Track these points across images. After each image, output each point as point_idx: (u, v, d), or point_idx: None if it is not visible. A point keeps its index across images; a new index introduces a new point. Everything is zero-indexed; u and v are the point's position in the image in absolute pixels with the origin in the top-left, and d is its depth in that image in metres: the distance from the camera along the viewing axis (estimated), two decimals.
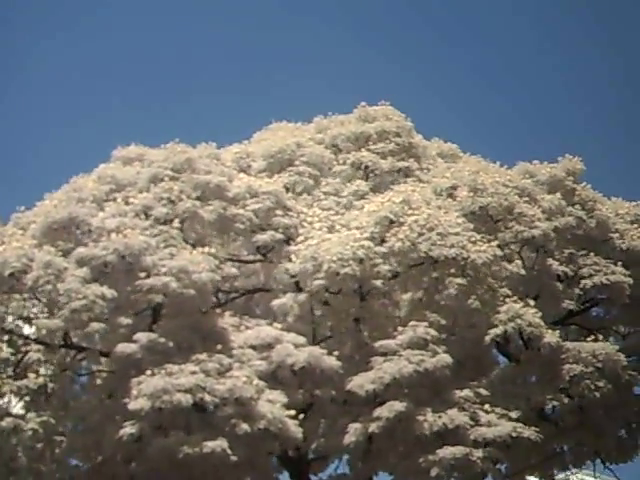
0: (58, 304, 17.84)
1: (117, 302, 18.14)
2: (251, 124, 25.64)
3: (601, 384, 19.77)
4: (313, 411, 19.42)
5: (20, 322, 18.67)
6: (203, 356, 17.56)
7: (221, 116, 56.71)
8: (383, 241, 19.82)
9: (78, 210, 19.18)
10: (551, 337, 19.74)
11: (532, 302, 20.03)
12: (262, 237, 20.40)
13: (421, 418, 18.24)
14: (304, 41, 63.32)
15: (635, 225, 23.05)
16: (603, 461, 22.50)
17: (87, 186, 20.22)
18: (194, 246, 19.15)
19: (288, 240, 20.73)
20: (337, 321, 20.25)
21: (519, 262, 20.70)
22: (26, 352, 18.65)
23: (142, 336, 17.73)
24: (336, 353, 18.81)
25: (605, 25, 60.38)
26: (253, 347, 18.63)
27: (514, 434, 18.42)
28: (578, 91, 62.39)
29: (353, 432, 18.45)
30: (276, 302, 19.93)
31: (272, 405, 17.53)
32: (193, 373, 17.09)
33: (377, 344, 19.20)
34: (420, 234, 19.57)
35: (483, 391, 19.15)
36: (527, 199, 21.58)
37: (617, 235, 22.54)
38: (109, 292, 17.81)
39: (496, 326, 19.55)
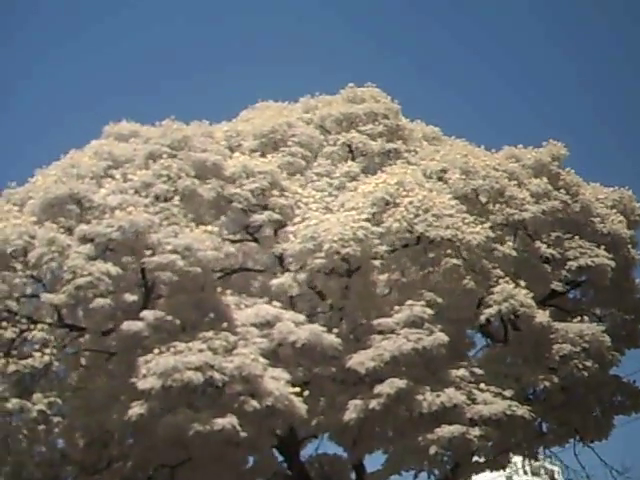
0: (62, 281, 17.76)
1: (120, 279, 18.11)
2: (235, 103, 25.65)
3: (589, 364, 20.44)
4: (311, 388, 19.68)
5: (23, 300, 18.43)
6: (210, 334, 17.60)
7: (204, 95, 55.78)
8: (379, 222, 20.18)
9: (79, 186, 19.00)
10: (542, 317, 20.36)
11: (523, 283, 20.58)
12: (260, 217, 20.52)
13: (420, 397, 18.67)
14: (284, 23, 62.65)
15: (614, 210, 23.83)
16: (582, 439, 23.28)
17: (84, 162, 20.03)
18: (195, 224, 19.16)
19: (281, 221, 20.93)
20: (334, 300, 20.46)
21: (510, 244, 21.18)
22: (26, 331, 18.41)
23: (148, 314, 17.66)
24: (335, 330, 19.15)
25: (593, 11, 60.77)
26: (254, 325, 18.83)
27: (508, 412, 19.00)
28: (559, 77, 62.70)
29: (353, 409, 18.76)
30: (275, 281, 20.04)
31: (277, 382, 17.76)
32: (201, 351, 17.13)
33: (375, 322, 19.53)
34: (416, 215, 19.97)
35: (478, 370, 19.67)
36: (515, 182, 22.12)
37: (598, 219, 23.28)
38: (114, 269, 17.77)
39: (490, 306, 20.06)
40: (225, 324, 18.07)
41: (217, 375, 16.97)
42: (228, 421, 16.72)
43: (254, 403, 17.08)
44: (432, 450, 18.53)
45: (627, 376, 23.70)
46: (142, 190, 19.24)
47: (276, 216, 20.52)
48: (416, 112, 25.82)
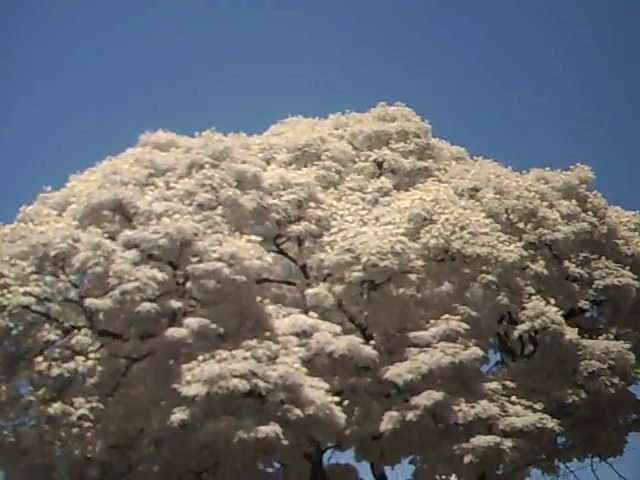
0: (108, 286, 17.93)
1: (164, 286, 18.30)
2: (263, 116, 26.01)
3: (615, 381, 20.90)
4: (345, 399, 19.90)
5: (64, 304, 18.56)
6: (253, 342, 17.81)
7: (232, 108, 55.52)
8: (416, 237, 20.55)
9: (123, 192, 19.21)
10: (571, 334, 20.81)
11: (553, 301, 21.01)
12: (297, 227, 20.84)
13: (456, 408, 19.03)
14: (307, 40, 62.28)
15: (637, 233, 24.37)
16: (600, 455, 23.66)
17: (125, 169, 20.25)
18: (240, 234, 19.41)
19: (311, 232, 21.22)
20: (369, 311, 20.76)
21: (542, 262, 21.64)
22: (68, 334, 18.49)
23: (193, 321, 17.79)
24: (372, 342, 19.45)
25: (620, 30, 60.86)
26: (292, 334, 19.08)
27: (539, 425, 19.40)
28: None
29: (389, 419, 19.08)
30: (310, 291, 20.36)
31: (317, 391, 17.98)
32: (245, 359, 17.32)
33: (410, 335, 19.89)
34: (452, 232, 20.39)
35: (509, 384, 20.05)
36: (547, 204, 22.64)
37: (622, 241, 23.82)
38: (160, 275, 17.97)
39: (523, 322, 20.51)
40: (267, 333, 18.32)
41: (261, 383, 17.15)
42: (271, 429, 16.90)
43: (297, 411, 17.29)
44: (467, 459, 18.89)
45: None
46: (185, 198, 19.46)
47: (312, 227, 20.85)
48: (439, 133, 26.23)
